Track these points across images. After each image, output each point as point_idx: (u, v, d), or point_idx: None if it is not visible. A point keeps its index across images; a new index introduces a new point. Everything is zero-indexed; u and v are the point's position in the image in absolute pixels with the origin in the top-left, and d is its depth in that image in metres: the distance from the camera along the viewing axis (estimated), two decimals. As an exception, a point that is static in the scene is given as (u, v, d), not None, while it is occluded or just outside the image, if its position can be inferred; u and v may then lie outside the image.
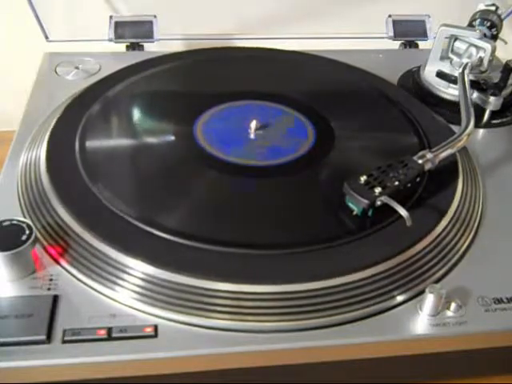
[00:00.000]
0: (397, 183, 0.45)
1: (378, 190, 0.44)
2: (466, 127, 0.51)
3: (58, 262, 0.43)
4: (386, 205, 0.44)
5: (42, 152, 0.50)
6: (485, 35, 0.64)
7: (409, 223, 0.42)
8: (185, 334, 0.39)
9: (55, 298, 0.40)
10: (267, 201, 0.48)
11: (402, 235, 0.44)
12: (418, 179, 0.47)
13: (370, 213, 0.45)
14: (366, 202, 0.44)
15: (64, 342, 0.38)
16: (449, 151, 0.49)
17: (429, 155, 0.48)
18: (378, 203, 0.44)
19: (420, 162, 0.47)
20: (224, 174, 0.50)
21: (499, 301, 0.42)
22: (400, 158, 0.47)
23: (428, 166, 0.47)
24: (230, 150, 0.52)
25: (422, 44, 0.76)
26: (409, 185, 0.46)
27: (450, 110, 0.60)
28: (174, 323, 0.39)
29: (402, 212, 0.43)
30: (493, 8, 0.66)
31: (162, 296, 0.40)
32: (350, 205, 0.45)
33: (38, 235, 0.43)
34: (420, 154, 0.48)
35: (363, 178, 0.45)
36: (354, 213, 0.45)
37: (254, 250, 0.42)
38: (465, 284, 0.43)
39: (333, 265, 0.42)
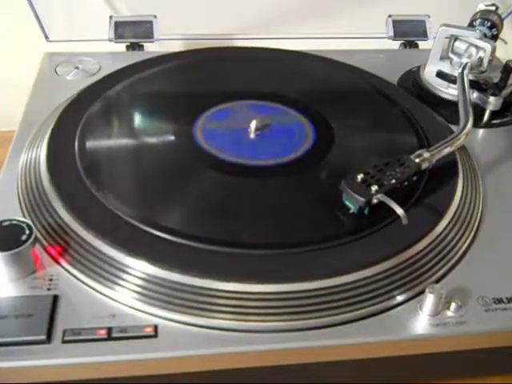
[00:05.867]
0: (393, 181, 0.45)
1: (374, 188, 0.44)
2: (465, 126, 0.51)
3: (58, 262, 0.43)
4: (384, 204, 0.44)
5: (42, 152, 0.50)
6: (485, 35, 0.64)
7: (405, 221, 0.43)
8: (185, 334, 0.39)
9: (55, 298, 0.40)
10: (267, 201, 0.48)
11: (402, 235, 0.44)
12: (414, 178, 0.47)
13: (366, 211, 0.45)
14: (362, 199, 0.44)
15: (64, 342, 0.38)
16: (446, 150, 0.49)
17: (426, 154, 0.48)
18: (375, 201, 0.44)
19: (417, 160, 0.47)
20: (224, 174, 0.50)
21: (499, 301, 0.42)
22: (397, 157, 0.47)
23: (425, 165, 0.47)
24: (230, 150, 0.52)
25: (422, 44, 0.76)
26: (405, 183, 0.46)
27: (450, 109, 0.60)
28: (174, 323, 0.39)
29: (398, 210, 0.43)
30: (493, 8, 0.66)
31: (162, 296, 0.40)
32: (347, 203, 0.45)
33: (38, 235, 0.43)
34: (417, 152, 0.48)
35: (360, 176, 0.45)
36: (351, 211, 0.45)
37: (253, 249, 0.42)
38: (465, 284, 0.43)
39: (333, 265, 0.42)
